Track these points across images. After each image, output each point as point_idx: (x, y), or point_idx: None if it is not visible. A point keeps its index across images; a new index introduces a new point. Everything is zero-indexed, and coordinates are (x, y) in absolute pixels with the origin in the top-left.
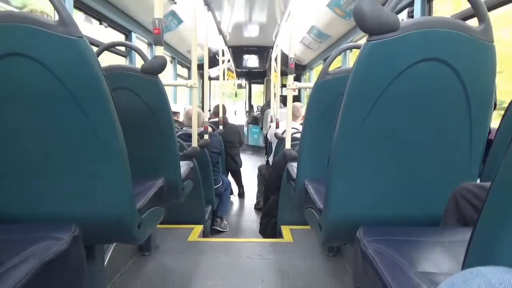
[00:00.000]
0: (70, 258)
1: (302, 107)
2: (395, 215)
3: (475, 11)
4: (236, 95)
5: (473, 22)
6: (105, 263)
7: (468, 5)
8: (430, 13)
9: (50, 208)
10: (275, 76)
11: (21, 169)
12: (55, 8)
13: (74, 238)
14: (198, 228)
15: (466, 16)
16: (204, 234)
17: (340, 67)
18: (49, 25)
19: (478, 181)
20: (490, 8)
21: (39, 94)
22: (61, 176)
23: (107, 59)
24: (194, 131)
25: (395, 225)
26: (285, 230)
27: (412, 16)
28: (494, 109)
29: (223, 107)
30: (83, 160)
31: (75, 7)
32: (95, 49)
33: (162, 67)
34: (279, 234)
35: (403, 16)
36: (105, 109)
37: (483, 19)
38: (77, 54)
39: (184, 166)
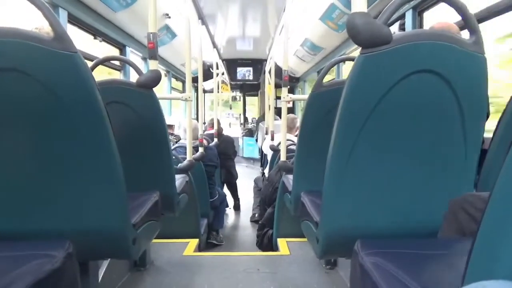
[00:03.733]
0: (64, 276)
1: (295, 118)
2: (392, 227)
3: (465, 24)
4: (230, 108)
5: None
6: (99, 280)
7: (459, 18)
8: (421, 25)
9: (43, 225)
10: (269, 89)
11: (14, 185)
12: (50, 23)
13: (68, 255)
14: (194, 242)
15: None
16: (200, 247)
17: (334, 79)
18: (44, 40)
19: (474, 191)
20: (480, 21)
21: (33, 109)
22: (54, 192)
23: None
24: (189, 144)
25: (392, 237)
26: (282, 242)
27: (403, 29)
28: (487, 119)
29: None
30: (77, 175)
31: (69, 22)
32: (90, 63)
33: (156, 81)
34: (275, 247)
35: (394, 28)
36: (100, 124)
37: (473, 31)
38: (71, 69)
39: (179, 180)
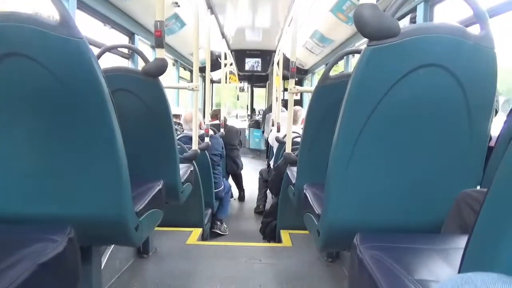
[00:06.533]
0: (65, 260)
1: (300, 110)
2: (394, 221)
3: (476, 18)
4: (238, 99)
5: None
6: (103, 265)
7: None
8: (432, 18)
9: (46, 209)
10: (277, 80)
11: (18, 169)
12: (57, 8)
13: (69, 240)
14: (197, 231)
15: (468, 23)
16: (203, 237)
17: (343, 71)
18: (50, 25)
19: (478, 187)
20: (492, 15)
21: (38, 94)
22: (57, 177)
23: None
24: (195, 133)
25: (394, 232)
26: (284, 234)
27: (414, 22)
28: (495, 115)
29: (219, 111)
30: (81, 161)
31: (79, 8)
32: (97, 50)
33: (162, 69)
34: (278, 238)
35: (405, 22)
36: (104, 111)
37: (484, 26)
38: (76, 55)
39: (184, 169)
